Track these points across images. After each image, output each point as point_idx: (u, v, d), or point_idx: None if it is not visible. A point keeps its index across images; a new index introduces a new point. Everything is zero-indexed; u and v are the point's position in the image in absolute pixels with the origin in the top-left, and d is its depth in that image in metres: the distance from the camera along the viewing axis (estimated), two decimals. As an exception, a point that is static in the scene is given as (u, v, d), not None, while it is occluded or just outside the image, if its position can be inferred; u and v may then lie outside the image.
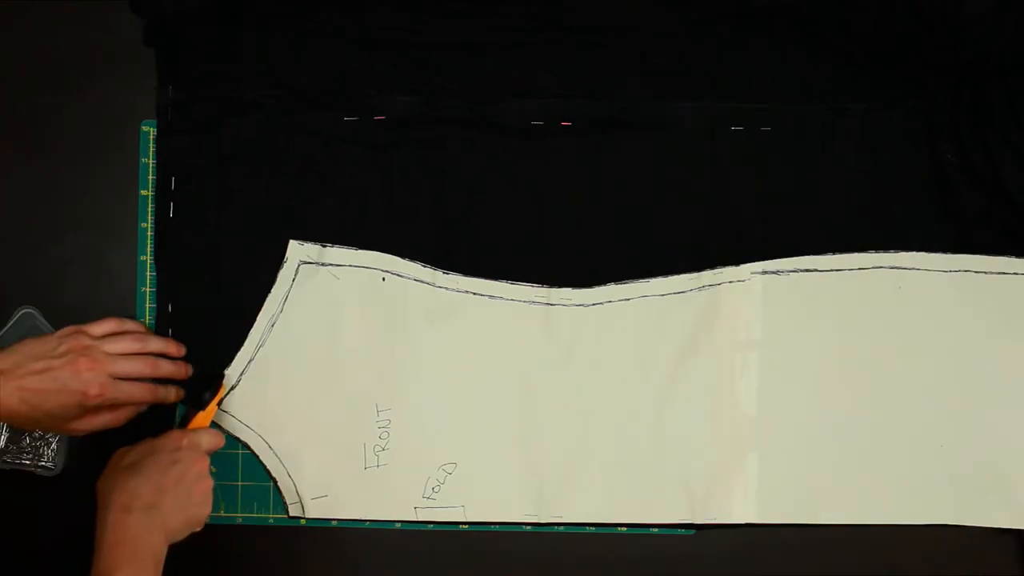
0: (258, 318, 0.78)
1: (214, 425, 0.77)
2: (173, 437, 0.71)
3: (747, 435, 0.79)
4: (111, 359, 0.71)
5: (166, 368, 0.75)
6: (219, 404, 0.76)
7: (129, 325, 0.75)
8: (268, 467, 0.78)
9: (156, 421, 0.75)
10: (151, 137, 0.79)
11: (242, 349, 0.78)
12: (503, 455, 0.79)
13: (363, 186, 0.79)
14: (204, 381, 0.76)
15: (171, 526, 0.68)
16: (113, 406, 0.72)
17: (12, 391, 0.67)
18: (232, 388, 0.77)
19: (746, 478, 0.79)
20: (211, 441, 0.73)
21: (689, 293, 0.79)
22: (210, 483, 0.71)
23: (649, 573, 0.80)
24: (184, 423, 0.75)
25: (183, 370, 0.76)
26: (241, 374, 0.78)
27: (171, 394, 0.75)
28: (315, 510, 0.79)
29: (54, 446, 0.78)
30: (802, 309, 0.79)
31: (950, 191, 0.80)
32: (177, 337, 0.77)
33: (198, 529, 0.71)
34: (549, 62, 0.80)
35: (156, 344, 0.75)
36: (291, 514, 0.79)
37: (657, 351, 0.79)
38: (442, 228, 0.79)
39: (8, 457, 0.77)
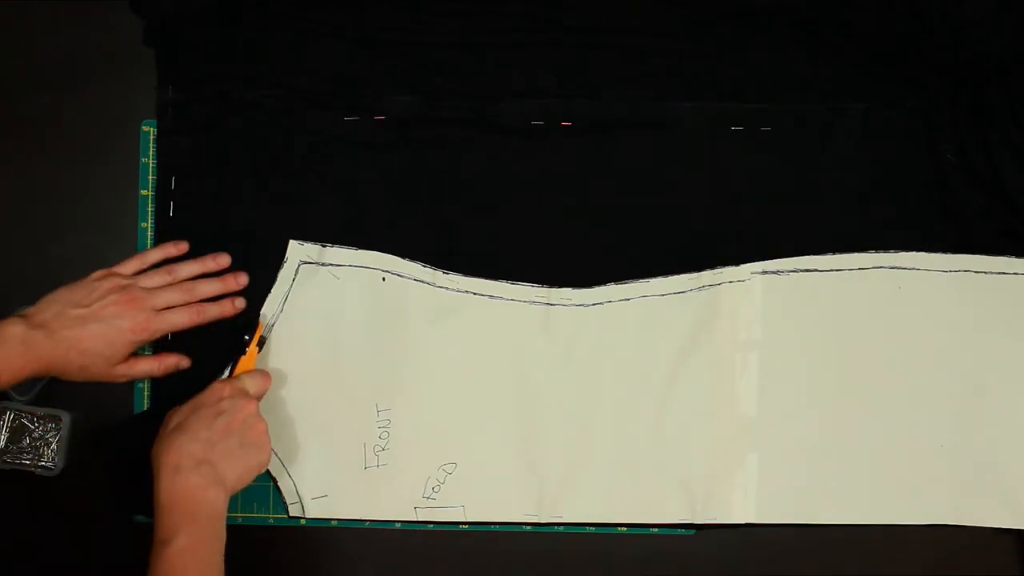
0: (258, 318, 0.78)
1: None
2: (215, 389, 0.71)
3: (747, 435, 0.79)
4: (150, 293, 0.72)
5: (205, 289, 0.75)
6: (259, 345, 0.76)
7: (151, 256, 0.76)
8: (268, 467, 0.78)
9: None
10: (151, 137, 0.79)
11: (242, 349, 0.78)
12: (503, 455, 0.79)
13: (363, 186, 0.79)
14: (240, 327, 0.76)
15: (228, 478, 0.68)
16: (156, 355, 0.74)
17: (59, 341, 0.68)
18: (271, 327, 0.77)
19: (746, 478, 0.79)
20: (257, 384, 0.74)
21: (689, 293, 0.79)
22: (262, 425, 0.71)
23: (649, 573, 0.80)
24: (230, 373, 0.75)
25: (231, 282, 0.76)
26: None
27: (215, 311, 0.75)
28: (315, 510, 0.79)
29: (54, 446, 0.78)
30: (802, 309, 0.79)
31: (950, 191, 0.80)
32: (177, 337, 0.77)
33: (261, 472, 0.71)
34: (549, 62, 0.80)
35: (188, 269, 0.76)
36: (291, 514, 0.79)
37: (657, 351, 0.79)
38: (442, 228, 0.79)
39: (8, 457, 0.77)
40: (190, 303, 0.74)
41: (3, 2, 0.79)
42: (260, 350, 0.77)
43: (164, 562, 0.63)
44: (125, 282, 0.72)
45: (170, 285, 0.74)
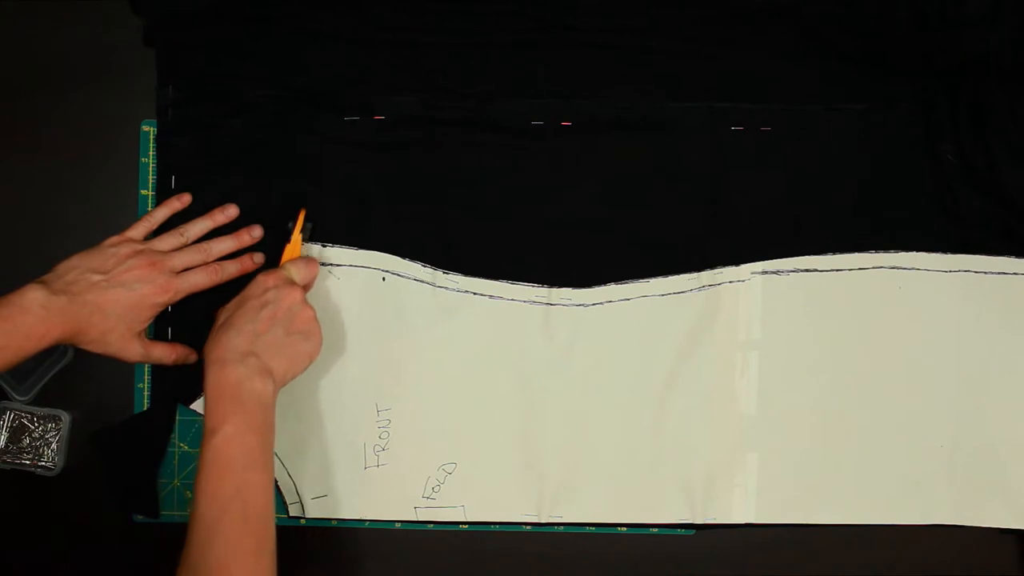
0: (258, 318, 0.78)
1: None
2: (259, 281, 0.71)
3: (747, 435, 0.79)
4: (167, 256, 0.73)
5: (221, 247, 0.75)
6: (303, 233, 0.76)
7: (158, 215, 0.76)
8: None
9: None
10: (151, 137, 0.79)
11: (242, 349, 0.77)
12: (503, 455, 0.79)
13: (363, 186, 0.79)
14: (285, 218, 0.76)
15: (276, 368, 0.68)
16: (170, 343, 0.75)
17: (81, 305, 0.67)
18: (313, 225, 0.77)
19: (746, 478, 0.79)
20: (302, 271, 0.73)
21: (689, 293, 0.79)
22: (309, 312, 0.71)
23: (649, 573, 0.80)
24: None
25: (244, 238, 0.76)
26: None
27: (233, 268, 0.75)
28: (315, 510, 0.79)
29: (54, 446, 0.78)
30: (802, 309, 0.79)
31: (950, 191, 0.80)
32: (177, 338, 0.77)
33: (312, 360, 0.71)
34: (549, 62, 0.80)
35: (199, 227, 0.76)
36: (291, 514, 0.79)
37: (657, 351, 0.79)
38: (442, 228, 0.79)
39: (8, 457, 0.77)
40: (208, 263, 0.74)
41: (3, 2, 0.80)
42: (304, 239, 0.76)
43: (211, 450, 0.63)
44: (141, 246, 0.72)
45: (186, 246, 0.74)
